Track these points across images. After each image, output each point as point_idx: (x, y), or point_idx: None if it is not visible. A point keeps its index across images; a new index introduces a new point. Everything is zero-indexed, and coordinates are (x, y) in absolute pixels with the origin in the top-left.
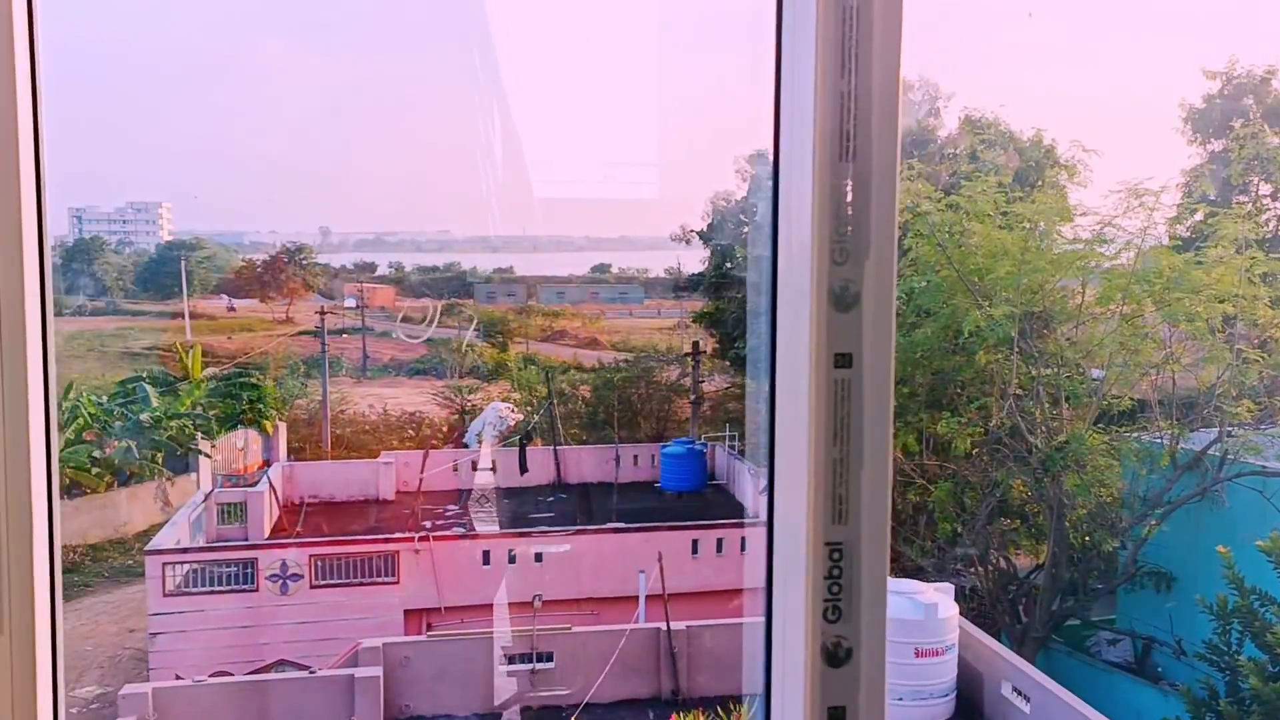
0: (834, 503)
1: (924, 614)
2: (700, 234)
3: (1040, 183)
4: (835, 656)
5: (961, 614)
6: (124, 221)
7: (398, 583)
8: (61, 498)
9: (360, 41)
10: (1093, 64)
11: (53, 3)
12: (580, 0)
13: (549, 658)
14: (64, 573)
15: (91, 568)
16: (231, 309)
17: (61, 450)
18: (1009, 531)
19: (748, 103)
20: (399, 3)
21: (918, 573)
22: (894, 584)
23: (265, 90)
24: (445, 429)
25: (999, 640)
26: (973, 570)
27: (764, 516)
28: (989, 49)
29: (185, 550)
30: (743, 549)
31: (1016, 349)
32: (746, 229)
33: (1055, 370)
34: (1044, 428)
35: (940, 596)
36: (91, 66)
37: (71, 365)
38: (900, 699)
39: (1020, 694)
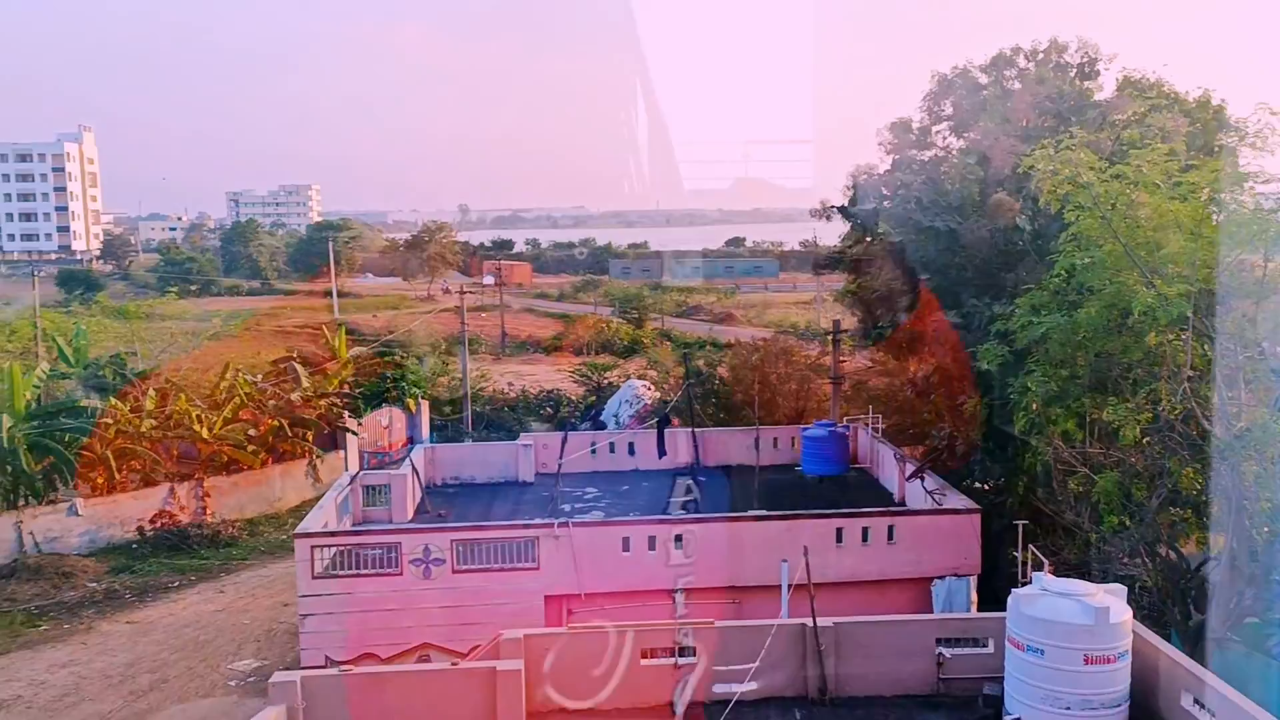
0: None
1: (1094, 618)
2: (840, 209)
3: (1215, 149)
4: None
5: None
6: (277, 204)
7: (538, 568)
8: (219, 474)
9: (498, 21)
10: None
11: None
12: None
13: (692, 652)
14: (224, 546)
15: (248, 542)
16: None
17: (219, 428)
18: (1179, 523)
19: (888, 70)
20: None
21: (1080, 567)
22: (1060, 585)
23: (407, 72)
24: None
25: (1169, 640)
26: (1140, 564)
27: (914, 504)
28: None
29: (333, 534)
30: (890, 538)
31: (1191, 328)
32: (888, 203)
33: (1234, 351)
34: (1221, 414)
35: (1112, 599)
36: (243, 56)
37: (229, 344)
38: (1068, 708)
39: (1202, 706)
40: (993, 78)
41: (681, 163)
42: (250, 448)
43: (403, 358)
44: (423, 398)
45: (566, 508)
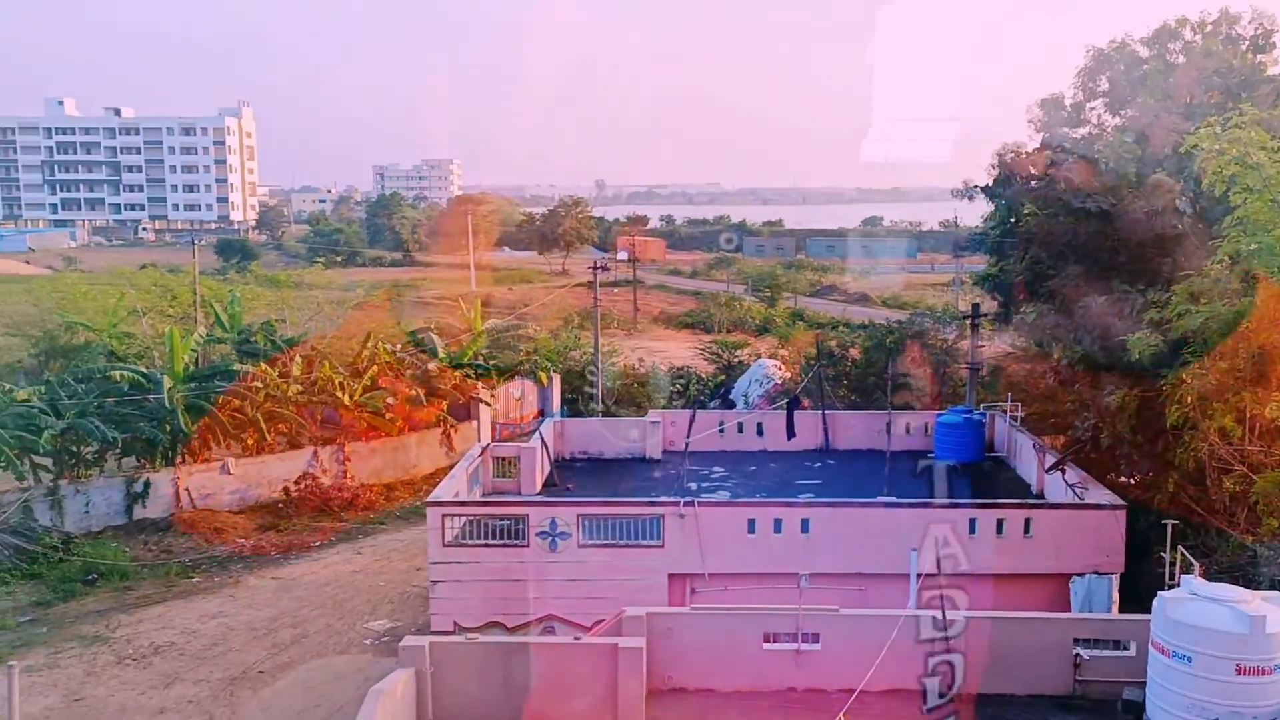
0: None
1: (1248, 626)
2: (984, 188)
3: None
4: None
5: None
6: (420, 178)
7: (662, 546)
8: (359, 440)
9: (634, 5)
10: None
11: None
12: None
13: (815, 639)
14: (362, 510)
15: (385, 507)
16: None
17: (360, 395)
18: None
19: (1037, 46)
20: None
21: (1233, 572)
22: (1212, 590)
23: (549, 48)
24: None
25: None
26: None
27: (1053, 496)
28: None
29: (463, 504)
30: (1026, 531)
31: None
32: (1036, 183)
33: None
34: None
35: (1269, 607)
36: (394, 33)
37: (372, 314)
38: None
39: None
40: (1155, 51)
41: (813, 135)
42: (388, 415)
43: (536, 331)
44: (554, 371)
45: (693, 486)
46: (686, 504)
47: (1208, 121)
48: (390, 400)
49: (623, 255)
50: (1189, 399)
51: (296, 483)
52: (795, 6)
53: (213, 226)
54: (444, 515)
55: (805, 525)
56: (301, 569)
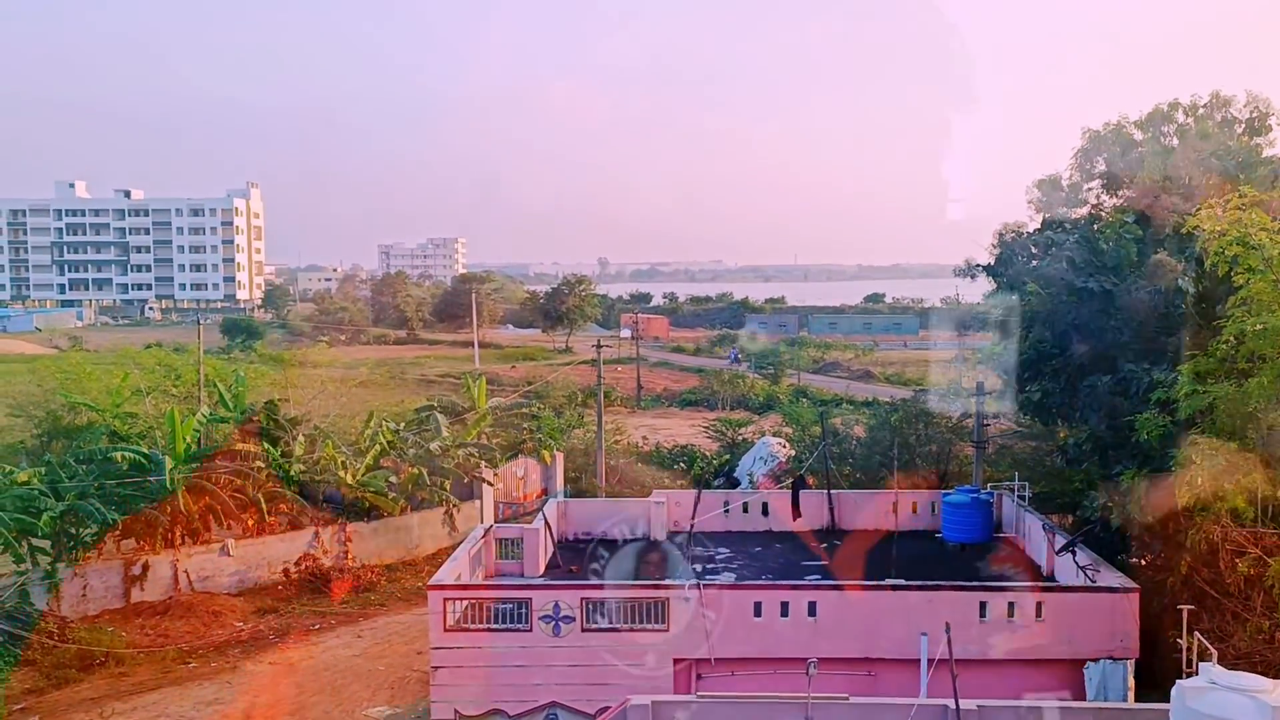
0: None
1: (1271, 718)
2: (986, 267)
3: None
4: None
5: None
6: (425, 256)
7: (667, 630)
8: (361, 519)
9: (639, 78)
10: None
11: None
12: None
13: None
14: (362, 591)
15: (386, 587)
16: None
17: (362, 475)
18: None
19: (1041, 124)
20: (676, 43)
21: (1251, 657)
22: (1231, 678)
23: (555, 126)
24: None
25: None
26: None
27: (1064, 578)
28: None
29: (465, 587)
30: (1038, 615)
31: None
32: (1037, 262)
33: None
34: None
35: None
36: (399, 112)
37: (376, 392)
38: None
39: None
40: (1149, 133)
41: (817, 215)
42: (390, 495)
43: (539, 409)
44: (558, 449)
45: (698, 568)
46: (692, 586)
47: (1208, 203)
48: (393, 479)
49: (626, 332)
50: (1200, 480)
51: (297, 564)
52: (800, 87)
53: (219, 305)
54: (445, 599)
55: (812, 609)
56: (300, 653)
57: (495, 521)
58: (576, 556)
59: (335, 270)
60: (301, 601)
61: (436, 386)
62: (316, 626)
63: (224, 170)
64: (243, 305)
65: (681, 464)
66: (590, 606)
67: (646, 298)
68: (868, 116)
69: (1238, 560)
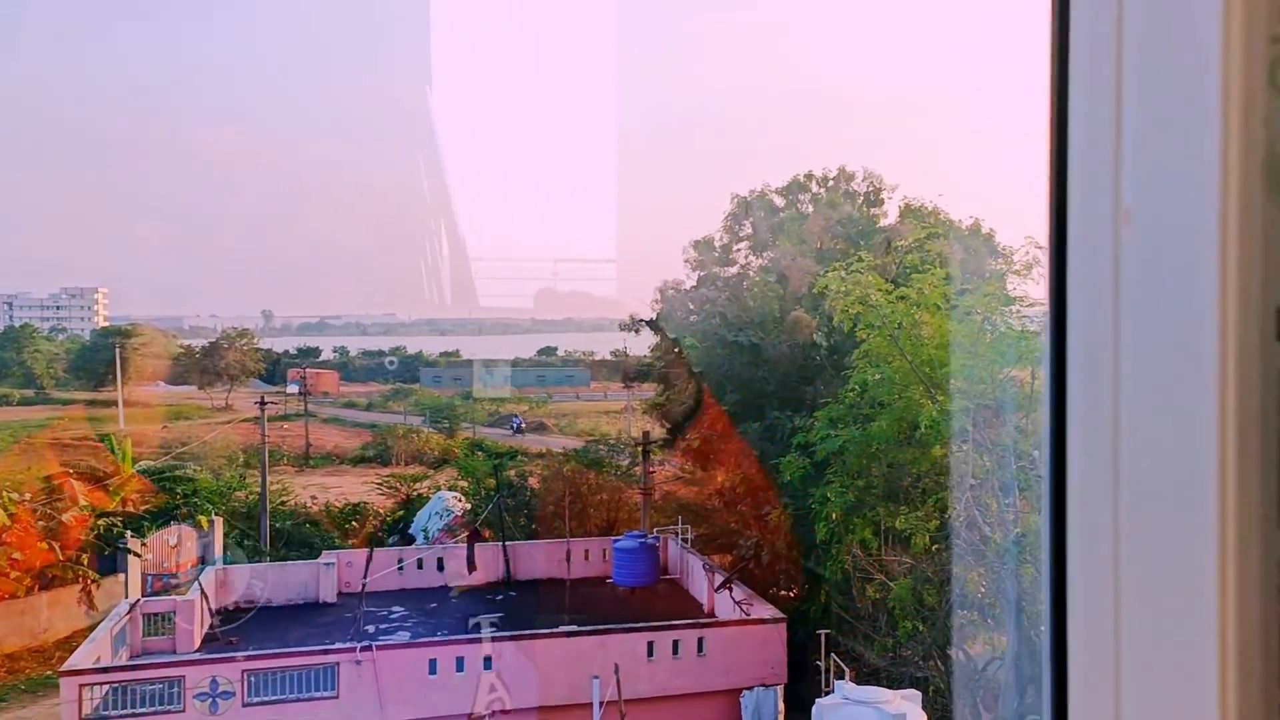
0: None
1: None
2: (649, 322)
3: (986, 273)
4: None
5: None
6: (57, 308)
7: (337, 697)
8: None
9: (304, 127)
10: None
11: None
12: (535, 90)
13: None
14: None
15: (8, 681)
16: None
17: None
18: (968, 626)
19: (696, 189)
20: (343, 92)
21: (877, 673)
22: (860, 693)
23: (207, 173)
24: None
25: None
26: (934, 667)
27: (723, 614)
28: (931, 138)
29: (105, 670)
30: (700, 650)
31: (971, 440)
32: (694, 317)
33: (1010, 461)
34: (1000, 520)
35: (908, 705)
36: (24, 150)
37: None
38: None
39: None
40: (789, 200)
41: (485, 277)
42: (14, 574)
43: (196, 471)
44: (216, 515)
45: (370, 629)
46: (363, 649)
47: (834, 266)
48: (17, 557)
49: (293, 388)
50: (834, 515)
51: None
52: (459, 147)
53: None
54: (81, 685)
55: (488, 662)
56: None
57: (143, 595)
58: (237, 627)
59: None
60: None
61: (74, 450)
62: None
63: None
64: None
65: (354, 523)
66: (253, 679)
67: (315, 352)
68: (535, 180)
69: (867, 586)
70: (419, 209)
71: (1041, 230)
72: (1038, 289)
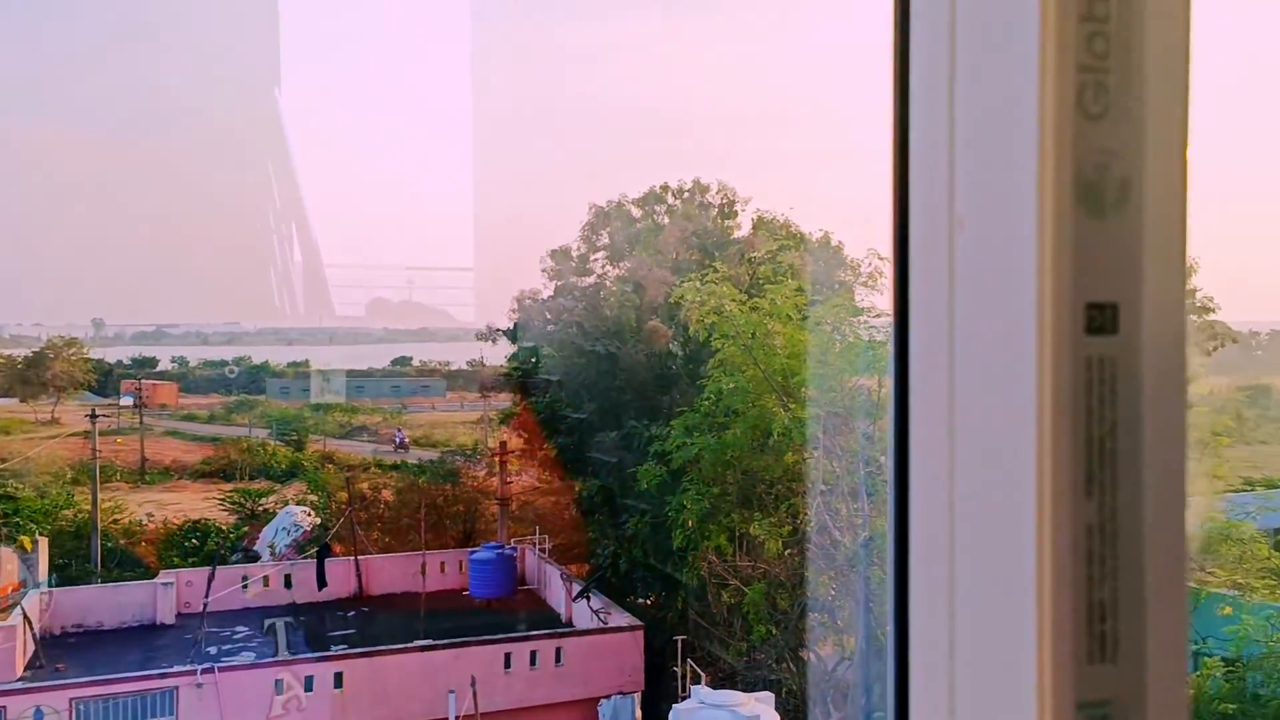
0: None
1: None
2: (506, 332)
3: (836, 285)
4: None
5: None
6: None
7: None
8: None
9: (135, 126)
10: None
11: None
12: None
13: None
14: None
15: None
16: None
17: None
18: (819, 628)
19: (553, 198)
20: (182, 89)
21: (732, 677)
22: (715, 696)
23: (27, 173)
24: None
25: None
26: (787, 669)
27: (580, 623)
28: (783, 152)
29: None
30: (558, 660)
31: (822, 447)
32: (552, 327)
33: (858, 467)
34: (849, 525)
35: (761, 707)
36: None
37: None
38: None
39: None
40: (645, 211)
41: (338, 285)
42: None
43: (16, 489)
44: (40, 535)
45: (212, 650)
46: (205, 671)
47: (689, 276)
48: None
49: (127, 400)
50: (690, 522)
51: None
52: (309, 151)
53: None
54: None
55: (339, 679)
56: None
57: None
58: (65, 652)
59: None
60: None
61: None
62: None
63: None
64: None
65: (194, 540)
66: (82, 707)
67: (152, 362)
68: (387, 183)
69: (722, 591)
70: (268, 214)
71: (885, 242)
72: (883, 300)
